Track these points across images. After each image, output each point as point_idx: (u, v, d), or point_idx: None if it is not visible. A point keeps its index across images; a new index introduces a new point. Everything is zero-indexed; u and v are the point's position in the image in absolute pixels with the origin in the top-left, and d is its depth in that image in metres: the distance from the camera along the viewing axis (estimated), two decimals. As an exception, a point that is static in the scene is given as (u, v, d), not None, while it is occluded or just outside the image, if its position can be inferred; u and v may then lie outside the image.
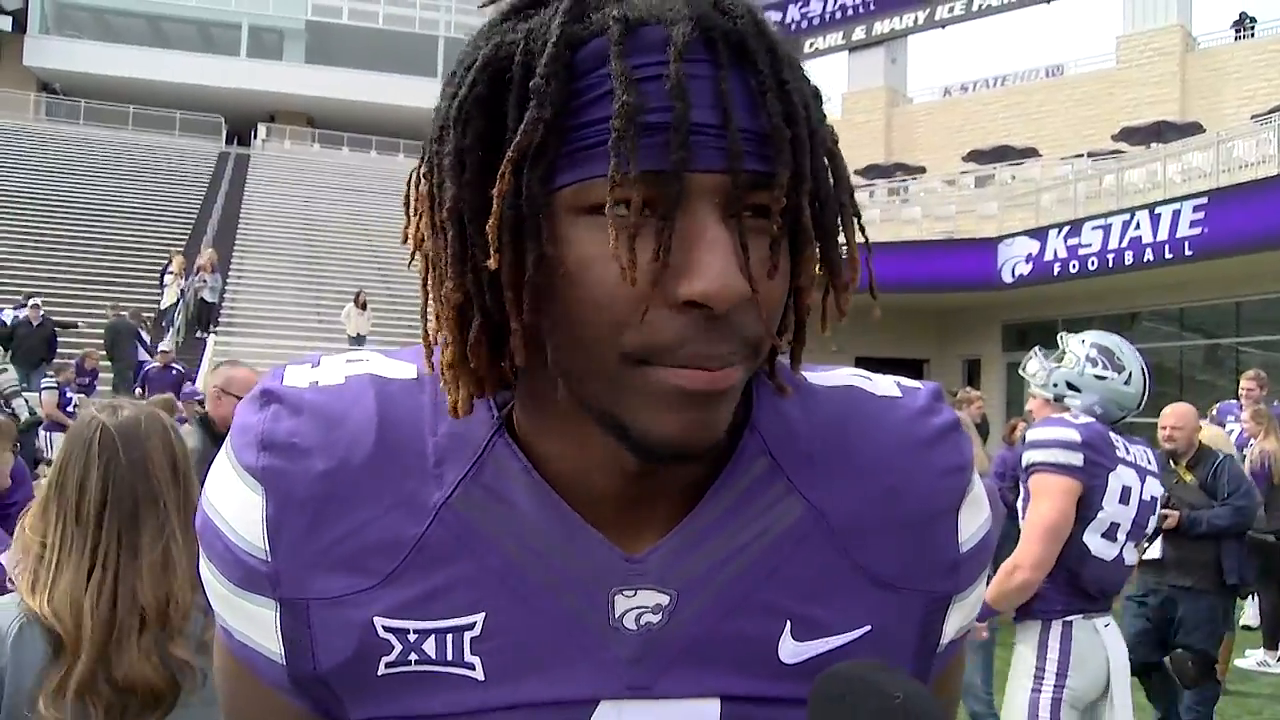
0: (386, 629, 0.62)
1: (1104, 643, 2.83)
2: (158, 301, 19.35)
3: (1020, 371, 3.32)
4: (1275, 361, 15.27)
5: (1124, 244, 16.46)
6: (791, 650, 0.65)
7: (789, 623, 0.64)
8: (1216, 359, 18.45)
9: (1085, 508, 2.75)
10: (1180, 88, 25.49)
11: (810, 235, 0.60)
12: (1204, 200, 15.39)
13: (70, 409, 11.72)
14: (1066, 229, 17.51)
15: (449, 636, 0.62)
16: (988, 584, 3.20)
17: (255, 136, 32.87)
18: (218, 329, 18.38)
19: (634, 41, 0.54)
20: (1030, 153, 24.80)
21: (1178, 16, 26.10)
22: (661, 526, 0.64)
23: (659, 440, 0.57)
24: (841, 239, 0.63)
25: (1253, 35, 26.46)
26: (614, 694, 0.63)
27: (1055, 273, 17.60)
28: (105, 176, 26.22)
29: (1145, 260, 16.11)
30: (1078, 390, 2.95)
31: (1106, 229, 16.81)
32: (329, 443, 0.63)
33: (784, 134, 0.56)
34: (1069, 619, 2.79)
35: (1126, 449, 2.87)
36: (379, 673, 0.63)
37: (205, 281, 17.98)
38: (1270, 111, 18.71)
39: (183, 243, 22.92)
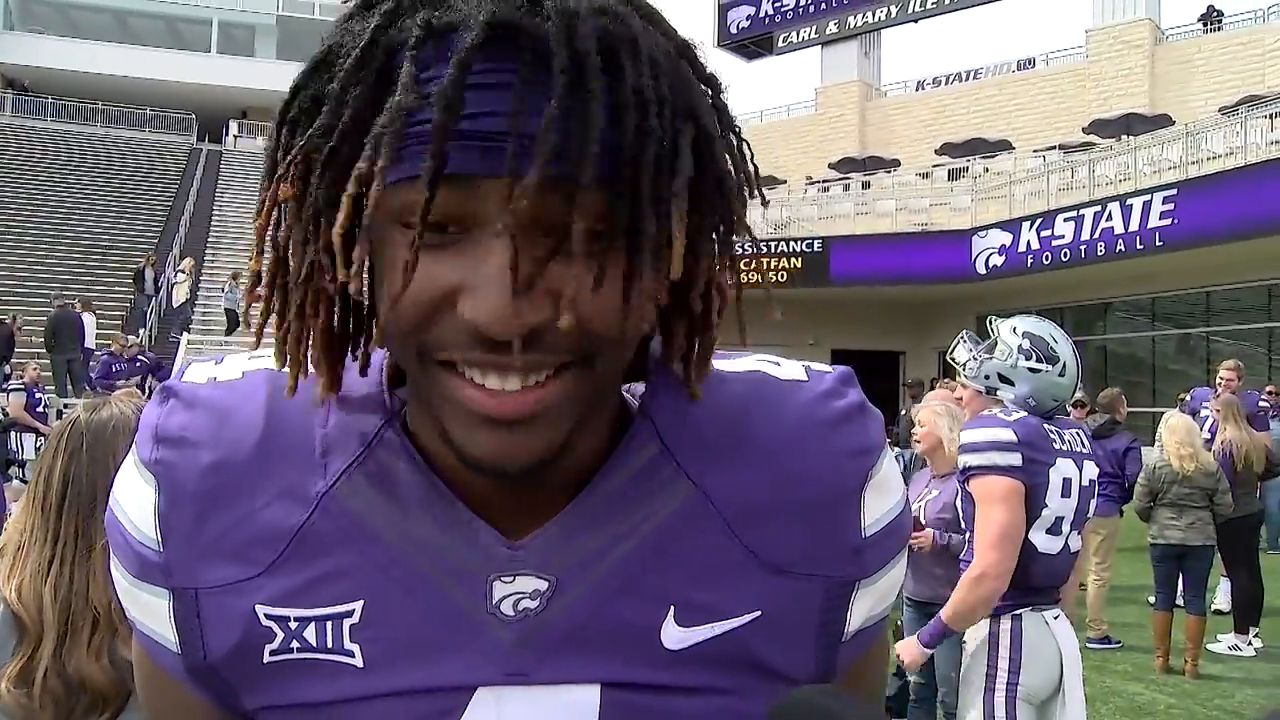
0: (269, 617, 0.63)
1: (1054, 635, 2.76)
2: (129, 298, 19.15)
3: (948, 358, 3.15)
4: (1245, 351, 15.49)
5: (1096, 235, 16.62)
6: (676, 636, 0.64)
7: (673, 608, 0.64)
8: (1188, 348, 18.68)
9: (1030, 507, 2.68)
10: (1150, 80, 25.75)
11: (643, 245, 0.56)
12: (1174, 192, 15.56)
13: (40, 409, 11.59)
14: (1039, 221, 17.66)
15: (328, 624, 0.63)
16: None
17: (227, 133, 32.54)
18: (190, 328, 18.20)
19: (439, 48, 0.53)
20: (1003, 145, 24.98)
21: (1146, 10, 26.35)
22: (548, 513, 0.64)
23: (473, 459, 0.58)
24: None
25: (1220, 28, 26.78)
26: (492, 680, 0.63)
27: (1028, 264, 17.74)
28: (75, 173, 25.90)
29: (1117, 251, 16.28)
30: (1010, 383, 2.82)
31: (1078, 220, 16.97)
32: (218, 437, 0.64)
33: (589, 140, 0.52)
34: (1017, 613, 2.74)
35: (1060, 437, 2.78)
36: (264, 660, 0.64)
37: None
38: (1238, 104, 18.94)
39: (154, 240, 22.68)
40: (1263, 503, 7.74)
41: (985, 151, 24.68)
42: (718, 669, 0.65)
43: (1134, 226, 15.95)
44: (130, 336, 14.71)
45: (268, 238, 0.61)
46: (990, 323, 3.01)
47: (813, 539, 0.66)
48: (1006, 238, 18.12)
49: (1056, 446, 2.74)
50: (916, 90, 32.41)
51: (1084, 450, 2.83)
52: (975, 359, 2.95)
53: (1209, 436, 7.02)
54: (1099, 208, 16.65)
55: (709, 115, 0.59)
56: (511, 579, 0.62)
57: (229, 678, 0.65)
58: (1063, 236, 17.12)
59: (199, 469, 0.63)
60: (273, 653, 0.63)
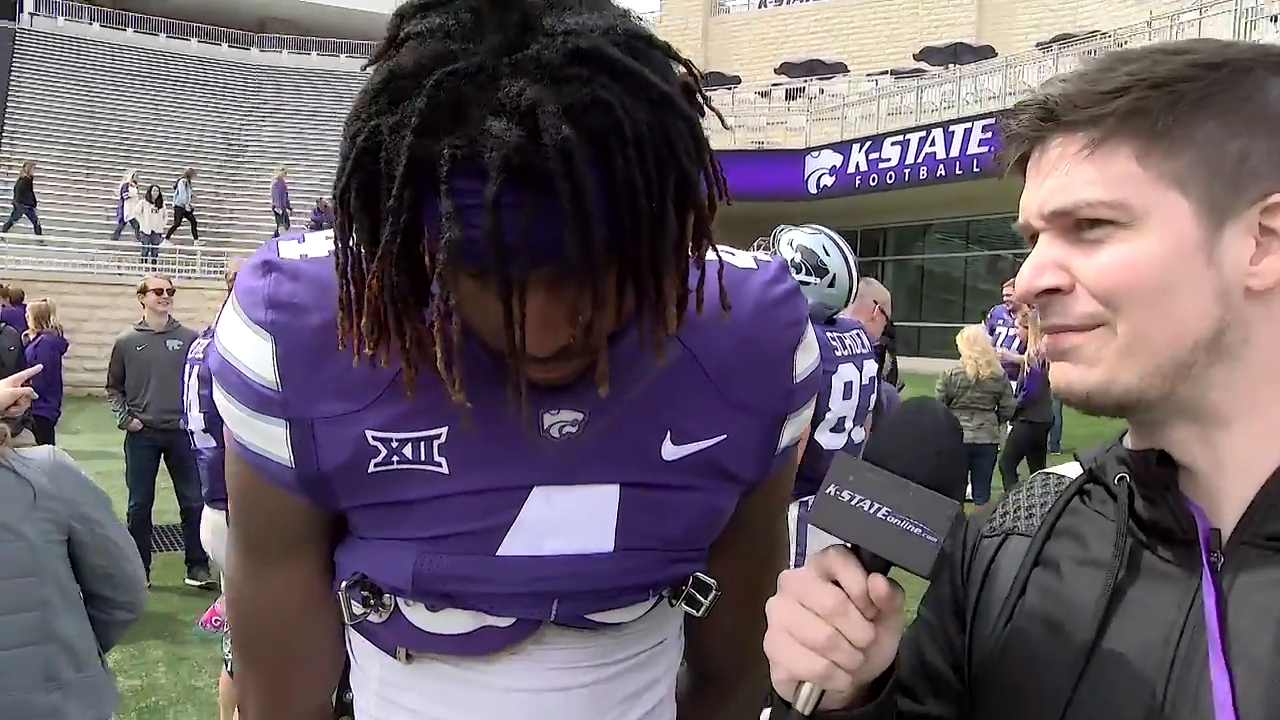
0: (375, 439, 0.85)
1: None
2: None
3: None
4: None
5: (920, 160, 17.38)
6: (670, 451, 0.91)
7: (669, 432, 0.90)
8: (998, 269, 19.90)
9: (814, 411, 2.81)
10: (978, 11, 26.78)
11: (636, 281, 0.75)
12: (993, 121, 16.38)
13: None
14: (868, 144, 18.30)
15: (422, 443, 0.85)
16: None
17: (21, 10, 29.60)
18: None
19: (465, 169, 0.66)
20: (839, 68, 25.58)
21: (979, -60, 27.21)
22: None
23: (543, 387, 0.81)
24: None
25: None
26: (543, 481, 0.87)
27: (856, 185, 18.43)
28: None
29: (938, 175, 17.10)
30: None
31: (905, 145, 17.69)
32: (322, 303, 0.82)
33: (582, 249, 0.68)
34: (804, 500, 2.88)
35: (841, 342, 2.96)
36: (369, 470, 0.86)
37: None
38: (1053, 40, 19.99)
39: (-61, 127, 20.61)
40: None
41: (823, 73, 25.22)
42: (697, 473, 0.92)
43: (955, 153, 16.76)
44: None
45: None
46: (775, 233, 3.12)
47: (763, 385, 0.93)
48: (837, 159, 18.73)
49: (838, 353, 2.92)
50: (760, 7, 32.62)
51: (863, 351, 3.04)
52: None
53: (1006, 350, 7.66)
54: (924, 133, 17.39)
55: (688, 153, 0.73)
56: (556, 412, 0.86)
57: (335, 483, 0.87)
58: (889, 160, 17.84)
59: (310, 328, 0.82)
60: (376, 465, 0.85)
